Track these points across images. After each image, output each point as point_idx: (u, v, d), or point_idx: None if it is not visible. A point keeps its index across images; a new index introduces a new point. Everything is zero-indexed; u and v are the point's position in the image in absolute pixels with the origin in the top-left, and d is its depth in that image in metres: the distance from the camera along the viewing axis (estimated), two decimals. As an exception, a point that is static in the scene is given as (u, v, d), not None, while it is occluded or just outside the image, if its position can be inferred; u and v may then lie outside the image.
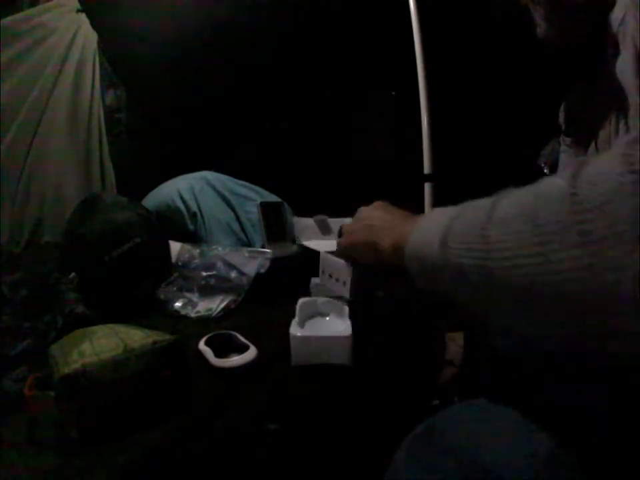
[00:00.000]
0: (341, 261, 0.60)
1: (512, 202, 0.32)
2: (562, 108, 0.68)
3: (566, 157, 0.68)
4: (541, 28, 0.54)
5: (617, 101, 0.47)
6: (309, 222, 1.04)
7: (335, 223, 1.07)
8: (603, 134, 0.53)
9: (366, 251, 0.56)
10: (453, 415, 0.44)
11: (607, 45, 0.47)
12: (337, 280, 0.62)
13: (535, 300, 0.29)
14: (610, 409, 0.41)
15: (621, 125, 0.48)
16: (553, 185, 0.29)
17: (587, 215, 0.25)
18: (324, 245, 0.92)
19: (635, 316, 0.24)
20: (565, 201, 0.27)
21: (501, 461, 0.36)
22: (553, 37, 0.54)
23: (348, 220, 1.13)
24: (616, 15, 0.45)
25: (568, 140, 0.66)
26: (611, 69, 0.46)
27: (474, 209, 0.37)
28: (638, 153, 0.25)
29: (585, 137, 0.58)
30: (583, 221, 0.25)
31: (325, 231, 1.04)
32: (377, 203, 0.62)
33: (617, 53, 0.45)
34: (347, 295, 0.60)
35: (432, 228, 0.40)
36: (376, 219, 0.57)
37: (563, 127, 0.67)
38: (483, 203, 0.36)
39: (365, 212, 0.62)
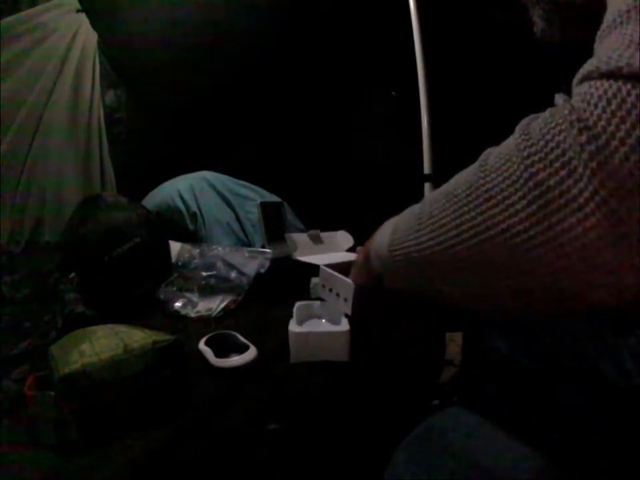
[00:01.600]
0: (343, 278, 0.60)
1: (439, 189, 0.39)
2: None
3: None
4: (540, 27, 0.54)
5: None
6: (302, 237, 1.06)
7: (326, 237, 1.09)
8: None
9: (360, 274, 0.58)
10: (453, 416, 0.44)
11: None
12: (338, 295, 0.62)
13: (470, 260, 0.33)
14: (610, 409, 0.41)
15: None
16: (469, 169, 0.35)
17: (490, 183, 0.32)
18: (320, 259, 0.92)
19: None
20: (473, 176, 0.33)
21: (500, 462, 0.36)
22: (552, 36, 0.54)
23: (340, 233, 1.14)
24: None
25: None
26: None
27: (414, 205, 0.42)
28: (529, 137, 0.30)
29: None
30: (487, 184, 0.32)
31: (318, 244, 1.06)
32: None
33: None
34: (347, 311, 0.61)
35: (386, 228, 0.46)
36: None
37: None
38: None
39: None
